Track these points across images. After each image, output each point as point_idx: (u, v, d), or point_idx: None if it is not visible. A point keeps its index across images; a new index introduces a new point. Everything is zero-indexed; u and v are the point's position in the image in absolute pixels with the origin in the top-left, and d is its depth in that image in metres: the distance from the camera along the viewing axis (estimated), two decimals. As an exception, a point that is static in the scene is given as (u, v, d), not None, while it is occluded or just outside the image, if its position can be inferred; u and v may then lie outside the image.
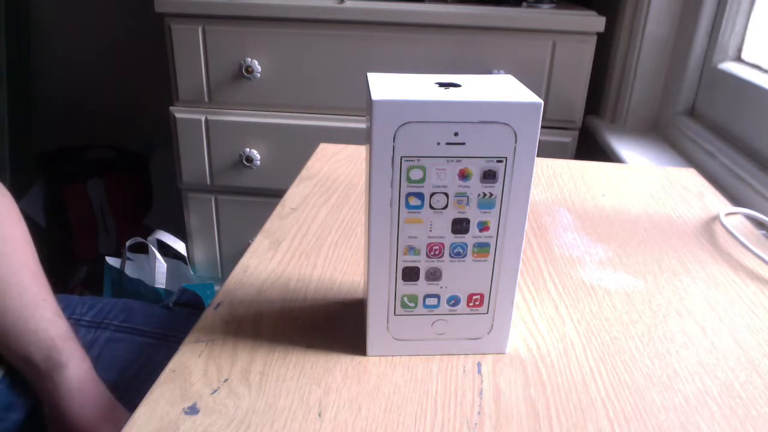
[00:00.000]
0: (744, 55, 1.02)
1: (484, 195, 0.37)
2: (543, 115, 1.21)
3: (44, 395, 0.56)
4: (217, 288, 1.38)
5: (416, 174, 0.36)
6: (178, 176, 1.32)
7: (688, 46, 1.08)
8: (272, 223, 0.60)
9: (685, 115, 1.10)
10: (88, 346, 0.65)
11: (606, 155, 1.14)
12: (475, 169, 0.36)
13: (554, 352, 0.43)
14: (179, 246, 1.41)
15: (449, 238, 0.38)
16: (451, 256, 0.38)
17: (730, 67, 1.01)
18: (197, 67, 1.22)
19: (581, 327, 0.46)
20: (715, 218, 0.65)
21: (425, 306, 0.40)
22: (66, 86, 1.85)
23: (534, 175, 0.74)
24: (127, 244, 1.38)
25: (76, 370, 0.56)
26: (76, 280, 1.67)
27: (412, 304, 0.40)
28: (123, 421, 0.41)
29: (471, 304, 0.40)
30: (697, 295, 0.50)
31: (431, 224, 0.37)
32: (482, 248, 0.38)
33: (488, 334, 0.41)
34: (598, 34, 1.15)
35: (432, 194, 0.36)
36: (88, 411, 0.55)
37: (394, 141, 0.35)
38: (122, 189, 1.82)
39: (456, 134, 0.35)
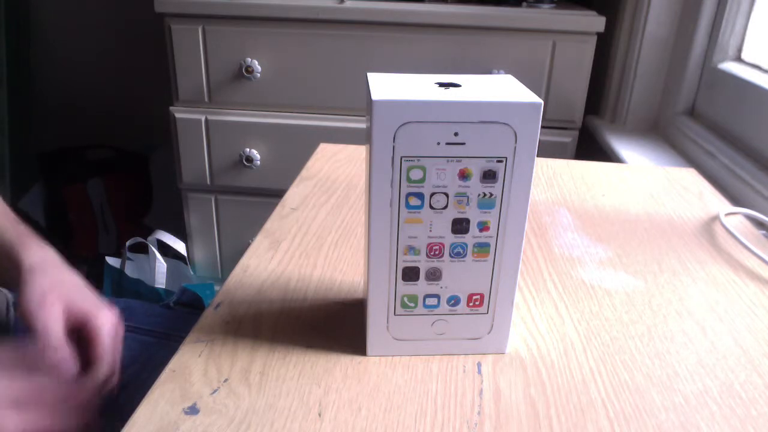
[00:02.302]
0: (744, 55, 1.02)
1: (484, 195, 0.37)
2: (543, 115, 1.21)
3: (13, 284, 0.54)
4: (217, 288, 1.38)
5: (416, 174, 0.36)
6: (178, 176, 1.32)
7: (688, 46, 1.08)
8: (272, 223, 0.60)
9: (685, 115, 1.10)
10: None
11: (606, 155, 1.14)
12: (475, 169, 0.36)
13: (554, 352, 0.43)
14: (179, 246, 1.41)
15: (449, 238, 0.38)
16: (451, 256, 0.38)
17: (730, 67, 1.01)
18: (197, 67, 1.22)
19: (581, 327, 0.46)
20: (715, 218, 0.65)
21: (425, 306, 0.40)
22: (66, 86, 1.85)
23: (534, 175, 0.74)
24: (127, 244, 1.38)
25: (40, 251, 0.55)
26: (76, 280, 1.67)
27: (412, 304, 0.40)
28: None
29: (471, 304, 0.40)
30: (697, 295, 0.50)
31: (431, 224, 0.37)
32: (482, 248, 0.38)
33: (488, 334, 0.41)
34: (598, 34, 1.15)
35: (432, 194, 0.36)
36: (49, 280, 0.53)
37: (394, 141, 0.35)
38: (122, 189, 1.82)
39: (456, 134, 0.35)
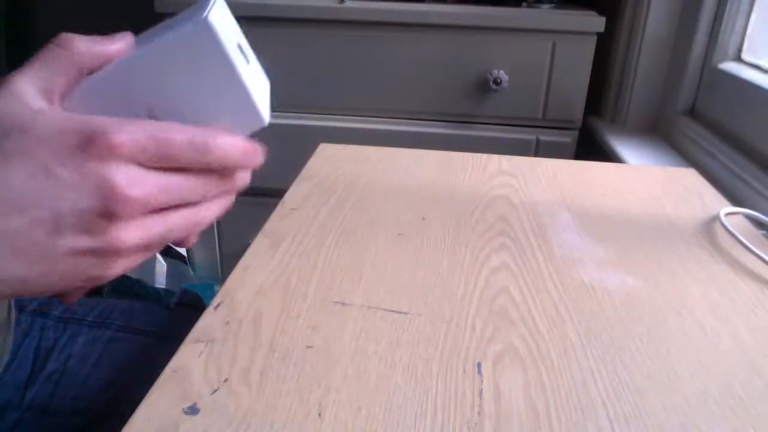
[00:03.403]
0: (744, 55, 1.02)
1: None
2: (543, 115, 1.21)
3: None
4: (217, 288, 1.38)
5: None
6: (178, 176, 1.31)
7: (688, 46, 1.08)
8: (272, 223, 0.60)
9: (685, 115, 1.10)
10: (90, 345, 0.65)
11: (606, 155, 1.14)
12: None
13: (554, 352, 0.43)
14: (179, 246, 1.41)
15: None
16: None
17: (730, 67, 1.01)
18: (197, 67, 1.22)
19: (581, 327, 0.46)
20: (715, 218, 0.65)
21: None
22: (66, 86, 1.85)
23: (534, 175, 0.74)
24: (127, 244, 1.38)
25: None
26: (76, 280, 1.67)
27: None
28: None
29: None
30: (697, 295, 0.50)
31: None
32: None
33: None
34: (598, 34, 1.15)
35: None
36: None
37: None
38: (122, 189, 1.82)
39: None
